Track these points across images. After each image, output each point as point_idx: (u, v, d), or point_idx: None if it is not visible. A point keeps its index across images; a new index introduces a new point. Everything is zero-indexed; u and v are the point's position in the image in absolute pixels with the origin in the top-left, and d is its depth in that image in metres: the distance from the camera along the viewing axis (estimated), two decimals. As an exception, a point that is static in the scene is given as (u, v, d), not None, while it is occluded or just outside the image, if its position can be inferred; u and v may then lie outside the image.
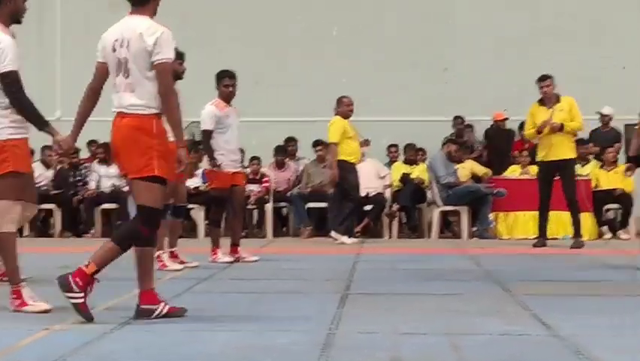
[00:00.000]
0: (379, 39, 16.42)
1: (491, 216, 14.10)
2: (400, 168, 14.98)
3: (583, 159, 14.70)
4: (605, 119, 15.26)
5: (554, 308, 6.18)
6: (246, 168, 13.79)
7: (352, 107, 12.74)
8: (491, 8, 16.29)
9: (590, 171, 14.55)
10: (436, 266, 9.59)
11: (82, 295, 5.49)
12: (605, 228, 14.16)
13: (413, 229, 14.83)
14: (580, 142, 14.83)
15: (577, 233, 12.06)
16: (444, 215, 14.54)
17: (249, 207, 14.28)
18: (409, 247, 12.45)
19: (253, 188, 14.44)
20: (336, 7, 16.58)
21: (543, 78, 11.98)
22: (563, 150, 11.97)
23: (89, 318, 5.52)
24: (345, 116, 12.73)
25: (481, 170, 14.79)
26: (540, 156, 12.10)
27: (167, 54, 5.58)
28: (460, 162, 14.66)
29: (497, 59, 15.99)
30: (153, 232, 5.72)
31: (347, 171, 12.61)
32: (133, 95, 5.60)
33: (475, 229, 14.14)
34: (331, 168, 12.83)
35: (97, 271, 5.55)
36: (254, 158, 14.84)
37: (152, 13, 5.74)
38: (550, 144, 11.91)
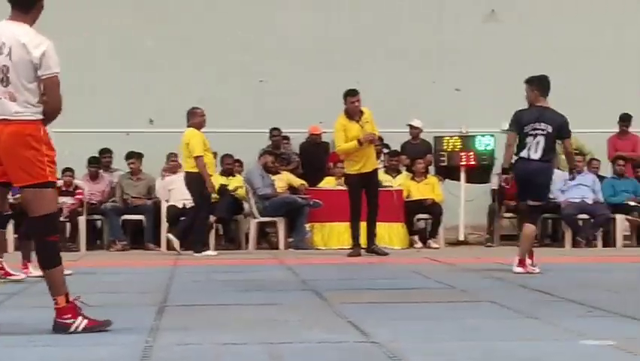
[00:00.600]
0: (196, 51, 16.35)
1: (307, 226, 14.28)
2: (217, 180, 14.95)
3: (394, 170, 15.12)
4: (415, 131, 15.72)
5: (370, 316, 6.31)
6: (58, 179, 13.43)
7: (205, 117, 12.72)
8: (309, 21, 16.48)
9: (401, 182, 14.96)
10: (254, 277, 9.63)
11: (80, 319, 5.49)
12: (416, 237, 14.58)
13: (231, 240, 14.84)
14: (392, 154, 15.29)
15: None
16: (261, 226, 14.61)
17: (62, 219, 13.91)
18: (227, 258, 12.43)
19: (66, 200, 14.06)
20: (150, 19, 16.37)
21: (353, 93, 12.26)
22: (372, 161, 12.38)
23: (107, 324, 5.61)
24: (200, 127, 12.69)
25: (297, 181, 14.94)
26: (356, 169, 12.34)
27: (55, 68, 5.49)
28: (276, 173, 14.78)
29: (314, 72, 16.18)
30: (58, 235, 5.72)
31: (199, 184, 12.61)
32: (15, 104, 5.47)
33: (291, 239, 14.28)
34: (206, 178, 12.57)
35: (67, 299, 5.52)
36: (67, 169, 14.45)
37: (33, 22, 5.58)
38: (365, 156, 12.23)
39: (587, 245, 14.45)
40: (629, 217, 14.75)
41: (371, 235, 12.46)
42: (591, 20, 16.52)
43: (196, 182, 12.62)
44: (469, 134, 15.02)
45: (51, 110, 5.54)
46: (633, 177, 15.28)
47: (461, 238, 14.83)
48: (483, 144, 14.73)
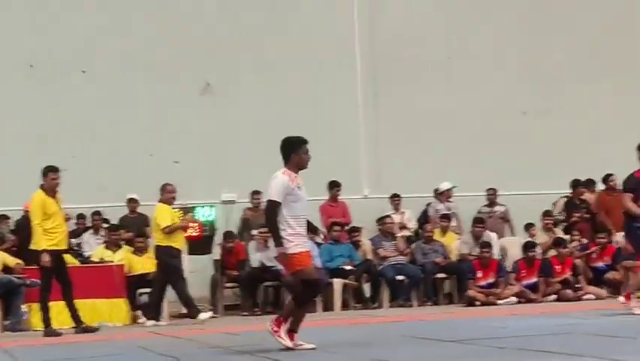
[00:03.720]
0: None
1: (24, 307, 13.67)
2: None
3: (115, 245, 14.86)
4: (133, 205, 15.61)
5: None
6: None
7: (175, 194, 13.35)
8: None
9: (122, 256, 14.70)
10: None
11: None
12: (139, 312, 14.32)
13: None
14: (112, 228, 15.04)
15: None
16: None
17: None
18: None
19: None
20: None
21: (54, 170, 12.02)
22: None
23: None
24: (169, 203, 13.28)
25: (12, 261, 14.31)
26: (51, 244, 12.03)
27: None
28: None
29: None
30: None
31: (172, 257, 13.09)
32: None
33: (7, 322, 13.61)
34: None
35: None
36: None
37: None
38: (63, 231, 12.04)
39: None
40: (347, 281, 15.25)
41: (74, 312, 12.28)
42: (294, 98, 17.10)
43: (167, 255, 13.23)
44: (189, 205, 15.05)
45: None
46: (348, 242, 15.87)
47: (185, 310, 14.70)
48: (204, 214, 14.81)
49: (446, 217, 16.56)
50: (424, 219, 16.92)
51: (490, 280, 15.02)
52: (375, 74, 17.70)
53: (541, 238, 16.12)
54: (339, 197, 16.49)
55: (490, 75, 18.10)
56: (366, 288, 15.78)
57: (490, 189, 16.81)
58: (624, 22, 18.97)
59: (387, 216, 16.34)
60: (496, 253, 15.63)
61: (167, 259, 13.26)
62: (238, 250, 15.51)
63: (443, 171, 17.04)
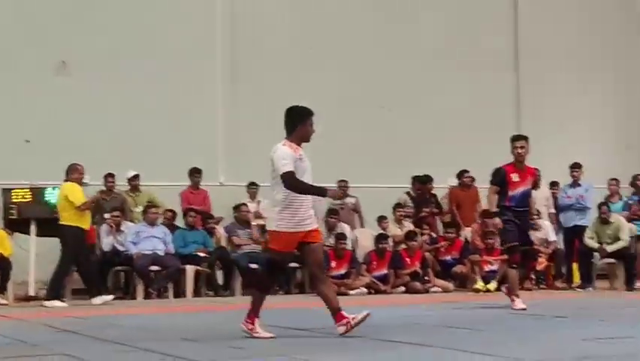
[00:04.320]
0: None
1: None
2: None
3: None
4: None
5: None
6: None
7: (84, 175, 13.40)
8: None
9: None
10: None
11: None
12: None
13: None
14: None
15: None
16: None
17: None
18: None
19: None
20: None
21: None
22: None
23: None
24: (78, 182, 13.20)
25: None
26: None
27: None
28: None
29: None
30: None
31: (78, 237, 12.94)
32: None
33: None
34: None
35: None
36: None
37: None
38: None
39: (158, 296, 14.63)
40: (200, 268, 15.15)
41: None
42: (151, 82, 16.88)
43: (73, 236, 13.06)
44: (40, 186, 14.66)
45: None
46: (203, 228, 15.77)
47: (32, 293, 14.33)
48: (53, 196, 14.44)
49: (300, 207, 16.61)
50: (278, 208, 16.92)
51: (343, 270, 15.19)
52: (234, 60, 17.60)
53: (393, 230, 16.38)
54: (199, 184, 16.35)
55: (347, 65, 18.20)
56: (220, 275, 15.71)
57: (341, 180, 16.96)
58: (472, 22, 19.42)
59: (243, 204, 16.31)
60: (349, 245, 15.81)
61: (73, 239, 13.05)
62: (89, 233, 15.18)
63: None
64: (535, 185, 11.39)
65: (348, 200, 17.10)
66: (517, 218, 10.87)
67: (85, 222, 13.29)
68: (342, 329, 7.85)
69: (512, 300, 10.91)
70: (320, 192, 7.82)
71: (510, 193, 10.85)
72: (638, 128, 20.21)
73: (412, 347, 7.13)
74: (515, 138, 11.09)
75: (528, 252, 11.31)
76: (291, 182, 7.72)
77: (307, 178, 7.84)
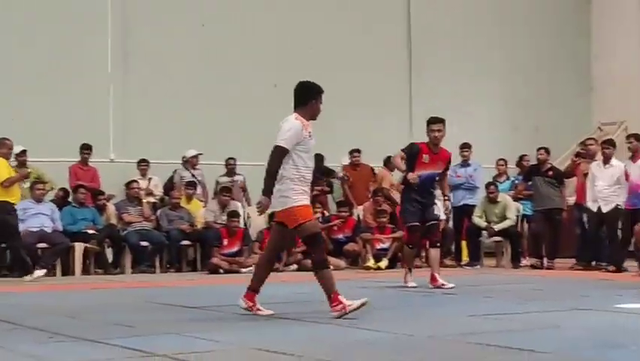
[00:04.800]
0: None
1: None
2: None
3: None
4: None
5: None
6: None
7: (12, 150, 13.31)
8: None
9: None
10: None
11: None
12: None
13: None
14: None
15: None
16: None
17: None
18: None
19: None
20: None
21: None
22: None
23: None
24: (6, 158, 12.91)
25: None
26: None
27: None
28: None
29: None
30: None
31: (7, 212, 12.71)
32: None
33: None
34: None
35: None
36: None
37: None
38: None
39: (46, 274, 14.33)
40: (89, 245, 14.90)
41: None
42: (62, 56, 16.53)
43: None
44: None
45: None
46: (93, 205, 15.51)
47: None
48: None
49: (192, 185, 16.52)
50: (170, 185, 16.80)
51: (235, 248, 15.13)
52: (126, 36, 17.29)
53: (286, 208, 16.37)
54: (89, 160, 16.05)
55: (239, 43, 18.06)
56: (109, 253, 15.49)
57: (229, 158, 16.86)
58: (365, 7, 19.53)
59: (134, 181, 16.10)
60: (241, 223, 15.77)
61: (3, 214, 12.74)
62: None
63: (190, 138, 16.95)
64: (447, 169, 11.24)
65: (237, 177, 17.05)
66: (421, 198, 10.81)
67: (13, 197, 12.96)
68: (242, 302, 7.86)
69: (405, 279, 11.04)
70: (265, 188, 7.65)
71: (416, 172, 10.72)
72: (525, 111, 20.65)
73: (302, 325, 7.16)
74: (432, 121, 10.90)
75: (431, 227, 11.02)
76: (273, 157, 7.63)
77: (310, 156, 7.78)
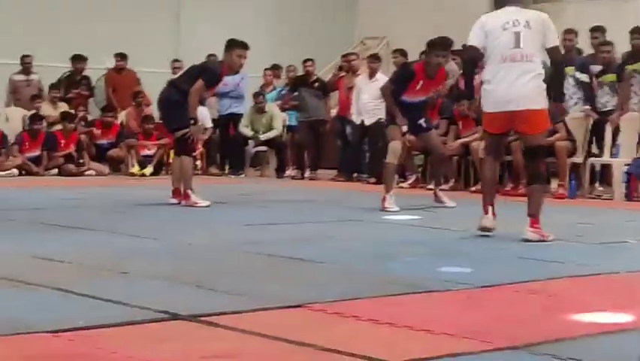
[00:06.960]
0: None
1: None
2: None
3: None
4: None
5: None
6: None
7: None
8: None
9: None
10: None
11: None
12: None
13: None
14: None
15: None
16: None
17: None
18: None
19: None
20: None
21: None
22: None
23: None
24: None
25: None
26: None
27: None
28: None
29: None
30: None
31: None
32: None
33: None
34: None
35: None
36: None
37: None
38: None
39: None
40: None
41: None
42: None
43: None
44: None
45: None
46: None
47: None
48: None
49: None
50: None
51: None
52: None
53: (47, 110, 15.76)
54: None
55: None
56: None
57: (25, 56, 15.90)
58: None
59: None
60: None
61: None
62: None
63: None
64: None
65: (34, 76, 16.12)
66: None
67: None
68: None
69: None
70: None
71: (403, 97, 9.48)
72: (291, 22, 20.65)
73: (84, 233, 6.95)
74: (439, 47, 9.34)
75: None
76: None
77: None
